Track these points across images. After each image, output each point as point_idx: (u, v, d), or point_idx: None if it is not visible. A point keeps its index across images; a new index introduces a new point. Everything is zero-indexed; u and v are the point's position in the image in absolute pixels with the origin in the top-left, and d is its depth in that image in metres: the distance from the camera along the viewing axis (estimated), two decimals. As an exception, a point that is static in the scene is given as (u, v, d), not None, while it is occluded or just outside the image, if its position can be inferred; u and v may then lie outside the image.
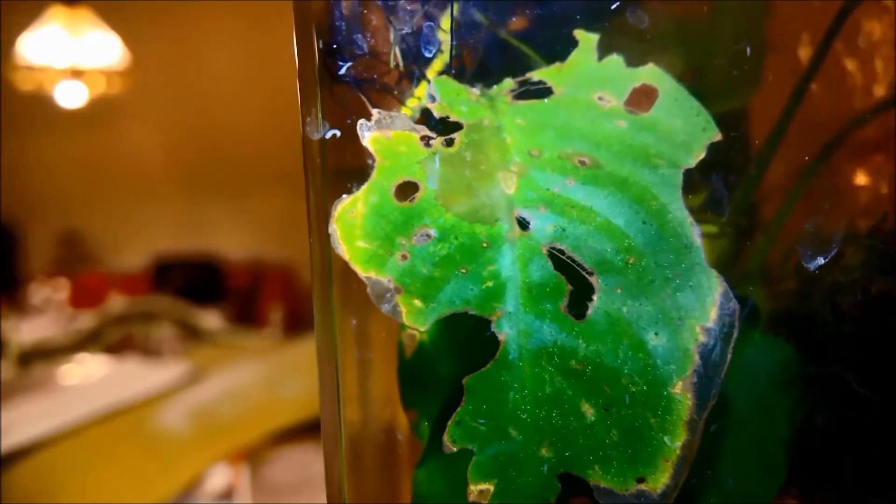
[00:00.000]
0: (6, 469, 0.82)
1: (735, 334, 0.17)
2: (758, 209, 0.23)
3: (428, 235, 0.16)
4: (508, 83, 0.19)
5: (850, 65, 0.26)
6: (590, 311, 0.17)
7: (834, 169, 0.25)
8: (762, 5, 0.24)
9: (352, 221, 0.16)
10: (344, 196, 0.16)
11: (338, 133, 0.17)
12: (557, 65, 0.19)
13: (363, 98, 0.17)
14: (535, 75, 0.19)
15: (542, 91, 0.19)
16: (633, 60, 0.23)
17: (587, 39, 0.19)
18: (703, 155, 0.18)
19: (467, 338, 0.18)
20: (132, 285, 2.62)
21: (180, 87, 2.87)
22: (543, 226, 0.17)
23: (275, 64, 2.74)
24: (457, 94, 0.19)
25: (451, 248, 0.16)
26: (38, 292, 2.41)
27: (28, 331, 1.57)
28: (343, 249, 0.16)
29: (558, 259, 0.17)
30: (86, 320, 1.65)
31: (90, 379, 1.09)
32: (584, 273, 0.17)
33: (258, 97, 2.73)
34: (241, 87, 2.78)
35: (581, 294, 0.17)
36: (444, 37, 0.20)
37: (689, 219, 0.17)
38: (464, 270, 0.16)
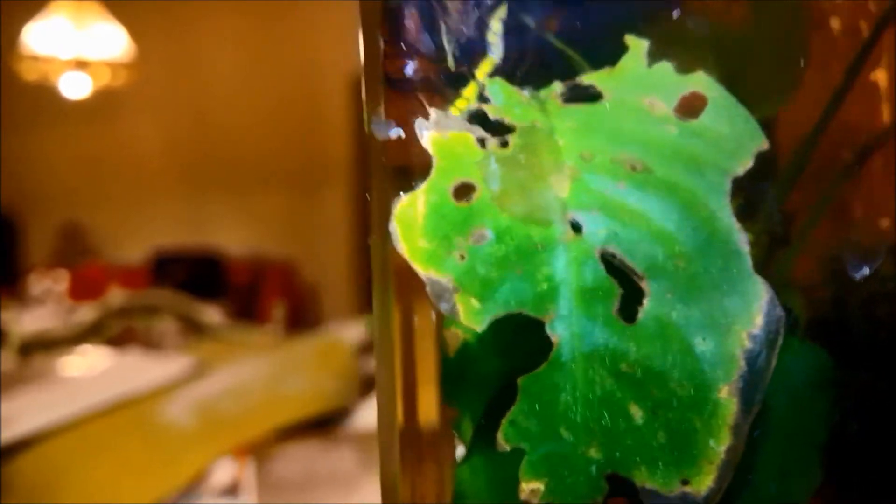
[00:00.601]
0: (8, 461, 0.82)
1: (780, 341, 0.17)
2: (792, 217, 0.24)
3: (484, 236, 0.17)
4: (557, 86, 0.20)
5: (884, 76, 0.26)
6: (640, 315, 0.17)
7: (867, 178, 0.25)
8: (805, 14, 0.25)
9: (412, 220, 0.16)
10: (402, 194, 0.17)
11: (402, 133, 0.17)
12: (608, 69, 0.19)
13: (419, 99, 0.17)
14: (585, 79, 0.19)
15: (591, 95, 0.19)
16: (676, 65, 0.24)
17: (637, 45, 0.19)
18: (750, 163, 0.18)
19: (512, 338, 0.19)
20: (132, 278, 2.62)
21: (184, 82, 2.87)
22: (596, 229, 0.17)
23: (278, 61, 2.75)
24: (510, 96, 0.19)
25: (507, 250, 0.17)
26: (38, 283, 2.41)
27: (28, 321, 1.56)
28: (403, 248, 0.16)
29: (610, 263, 0.17)
30: (87, 312, 1.65)
31: (92, 371, 1.09)
32: (635, 277, 0.17)
33: (261, 94, 2.73)
34: (244, 83, 2.78)
35: (631, 297, 0.17)
36: (494, 39, 0.21)
37: (737, 226, 0.17)
38: (519, 272, 0.17)
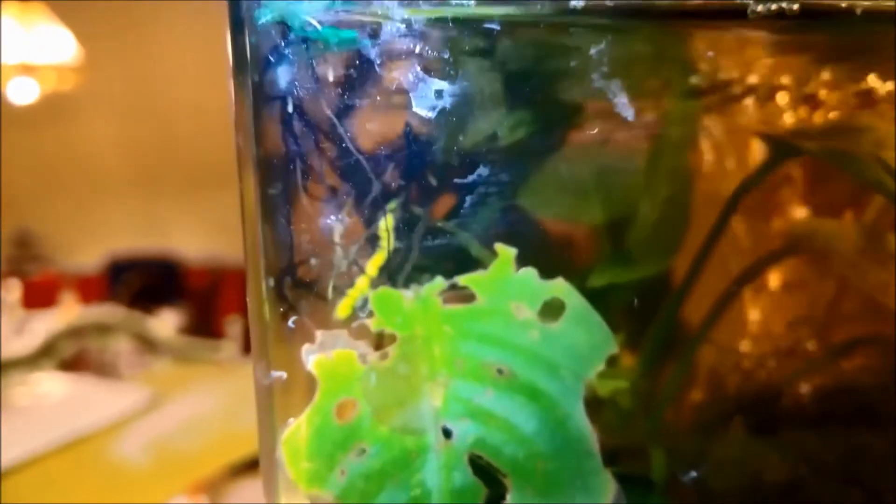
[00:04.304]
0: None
1: (626, 528, 0.20)
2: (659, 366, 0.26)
3: (363, 451, 0.19)
4: (440, 284, 0.22)
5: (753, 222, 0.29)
6: (504, 511, 0.19)
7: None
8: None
9: (297, 444, 0.19)
10: (290, 421, 0.19)
11: (284, 376, 0.20)
12: (480, 273, 0.22)
13: (305, 323, 0.20)
14: (461, 281, 0.22)
15: (467, 297, 0.22)
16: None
17: (506, 253, 0.22)
18: (602, 367, 0.21)
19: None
20: (87, 286, 2.59)
21: (136, 83, 2.83)
22: (466, 436, 0.20)
23: (233, 61, 2.72)
24: (393, 305, 0.21)
25: (385, 462, 0.19)
26: (-10, 295, 2.37)
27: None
28: (289, 471, 0.18)
29: (476, 463, 0.20)
30: (40, 326, 1.63)
31: (48, 402, 1.09)
32: (499, 475, 0.20)
33: (215, 92, 2.70)
34: (197, 82, 2.75)
35: (497, 493, 0.20)
36: (385, 234, 0.23)
37: (589, 427, 0.20)
38: (394, 481, 0.19)
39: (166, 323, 1.92)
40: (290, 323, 0.19)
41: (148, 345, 1.52)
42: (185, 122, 2.76)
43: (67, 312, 1.82)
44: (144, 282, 2.58)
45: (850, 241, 0.30)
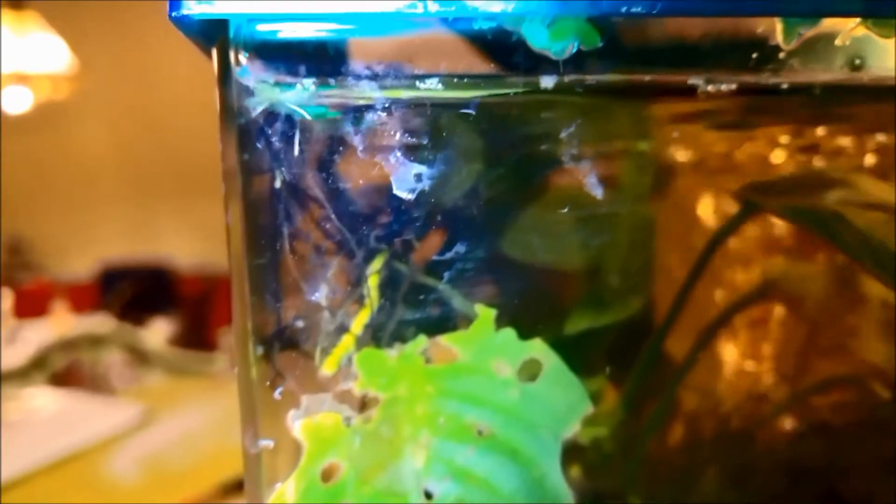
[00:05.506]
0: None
1: (601, 583, 0.21)
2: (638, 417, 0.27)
3: (348, 512, 0.20)
4: (423, 341, 0.23)
5: (725, 268, 0.30)
6: (482, 569, 0.20)
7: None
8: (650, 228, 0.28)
9: (284, 508, 0.19)
10: (278, 484, 0.20)
11: (271, 444, 0.20)
12: (462, 332, 0.23)
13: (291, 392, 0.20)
14: (443, 340, 0.23)
15: (450, 356, 0.22)
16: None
17: (487, 313, 0.22)
18: (578, 427, 0.21)
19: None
20: (78, 294, 2.59)
21: (129, 91, 2.83)
22: (447, 496, 0.20)
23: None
24: (377, 365, 0.22)
25: (367, 523, 0.20)
26: (-18, 305, 2.36)
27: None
28: (276, 535, 0.19)
29: (457, 523, 0.20)
30: (32, 342, 1.63)
31: (39, 419, 1.10)
32: (478, 534, 0.20)
33: (208, 102, 2.71)
34: (191, 89, 2.75)
35: (476, 550, 0.20)
36: (371, 292, 0.23)
37: (564, 485, 0.21)
38: (377, 542, 0.20)
39: (158, 334, 1.92)
40: (276, 394, 0.20)
41: (140, 357, 1.52)
42: (179, 130, 2.77)
43: (59, 322, 1.82)
44: (136, 290, 2.58)
45: (822, 285, 0.31)
